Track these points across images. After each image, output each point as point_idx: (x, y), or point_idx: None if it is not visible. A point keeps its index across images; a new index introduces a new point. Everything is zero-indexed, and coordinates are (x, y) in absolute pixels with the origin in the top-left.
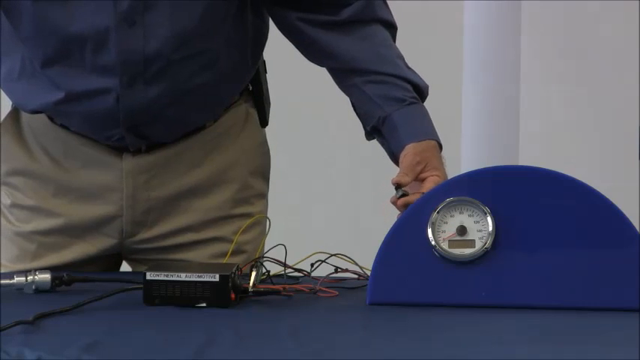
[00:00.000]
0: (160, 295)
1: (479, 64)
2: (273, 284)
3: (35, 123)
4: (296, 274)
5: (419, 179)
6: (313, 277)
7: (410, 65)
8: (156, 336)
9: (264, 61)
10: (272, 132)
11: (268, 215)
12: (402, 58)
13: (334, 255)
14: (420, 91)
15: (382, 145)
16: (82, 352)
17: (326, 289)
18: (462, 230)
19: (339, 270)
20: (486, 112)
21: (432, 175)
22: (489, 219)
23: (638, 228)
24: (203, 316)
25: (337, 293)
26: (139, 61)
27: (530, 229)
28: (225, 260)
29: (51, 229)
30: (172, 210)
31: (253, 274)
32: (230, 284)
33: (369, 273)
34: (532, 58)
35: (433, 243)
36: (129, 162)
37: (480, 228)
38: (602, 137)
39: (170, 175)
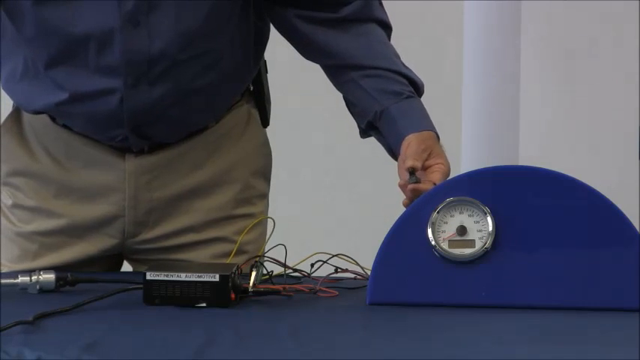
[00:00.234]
0: (160, 295)
1: (479, 64)
2: (273, 284)
3: (37, 123)
4: (296, 274)
5: (424, 167)
6: (313, 278)
7: (409, 65)
8: (156, 336)
9: (265, 61)
10: (272, 132)
11: (269, 215)
12: (398, 56)
13: (335, 255)
14: (417, 88)
15: (379, 140)
16: (82, 352)
17: (326, 289)
18: (462, 230)
19: (339, 270)
20: (486, 112)
21: (437, 164)
22: (489, 219)
23: (638, 228)
24: (203, 316)
25: (337, 293)
26: (143, 62)
27: (530, 229)
28: (228, 261)
29: (52, 230)
30: (174, 210)
31: (253, 274)
32: (230, 284)
33: (369, 273)
34: (532, 58)
35: (433, 243)
36: (131, 162)
37: (480, 228)
38: (602, 137)
39: (172, 176)
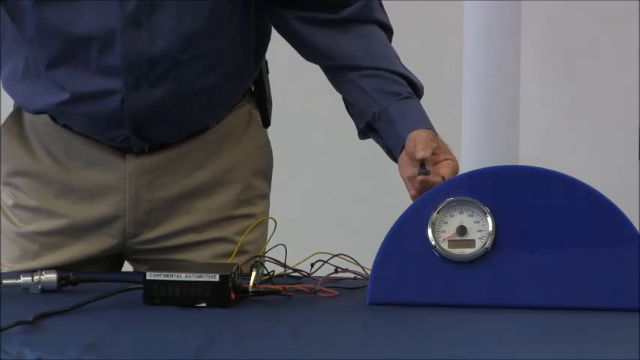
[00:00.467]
0: (160, 295)
1: (479, 64)
2: (273, 284)
3: (38, 123)
4: (296, 274)
5: (433, 162)
6: (313, 278)
7: (409, 65)
8: (156, 336)
9: (267, 62)
10: (273, 132)
11: (270, 215)
12: (398, 58)
13: (336, 255)
14: (416, 89)
15: (377, 142)
16: (82, 352)
17: (326, 289)
18: (462, 230)
19: (339, 270)
20: (486, 112)
21: (447, 159)
22: (489, 219)
23: (638, 228)
24: (203, 316)
25: (337, 293)
26: (144, 63)
27: (530, 229)
28: (229, 261)
29: (53, 230)
30: (175, 211)
31: (253, 274)
32: (230, 284)
33: (369, 273)
34: (532, 58)
35: (433, 243)
36: (132, 163)
37: (480, 228)
38: (602, 137)
39: (173, 176)
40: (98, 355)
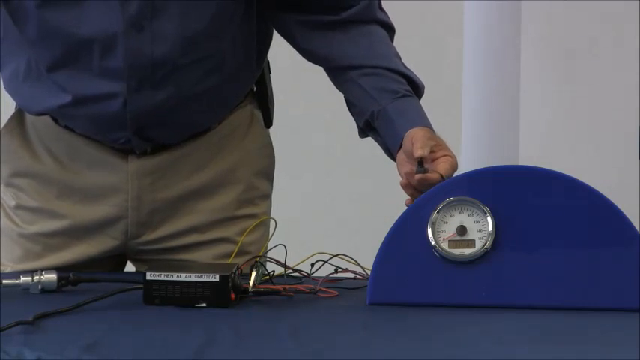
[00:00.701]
0: (160, 295)
1: (479, 64)
2: (274, 284)
3: (40, 124)
4: (296, 274)
5: (431, 159)
6: (313, 278)
7: (410, 65)
8: (156, 336)
9: (268, 62)
10: (273, 132)
11: (270, 215)
12: (399, 56)
13: (336, 255)
14: (416, 87)
15: (376, 141)
16: (82, 352)
17: (326, 289)
18: (462, 230)
19: (339, 270)
20: (486, 112)
21: (445, 156)
22: (489, 219)
23: (638, 228)
24: (203, 316)
25: (337, 293)
26: (146, 66)
27: (530, 229)
28: (229, 261)
29: (55, 231)
30: (177, 211)
31: (253, 274)
32: (230, 284)
33: (369, 273)
34: (532, 58)
35: (433, 243)
36: (134, 164)
37: (480, 228)
38: (602, 137)
39: (175, 177)
40: (98, 355)
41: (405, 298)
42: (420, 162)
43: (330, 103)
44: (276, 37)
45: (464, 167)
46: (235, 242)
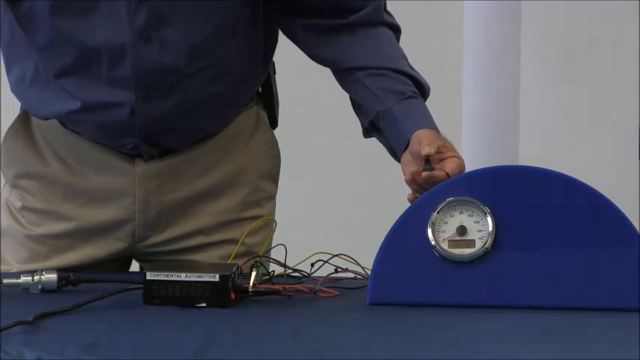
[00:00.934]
0: (160, 295)
1: (479, 64)
2: (274, 284)
3: (46, 127)
4: (296, 274)
5: (438, 159)
6: (313, 278)
7: (410, 65)
8: (156, 336)
9: (274, 62)
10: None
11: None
12: (405, 58)
13: (336, 255)
14: (422, 89)
15: (381, 141)
16: (82, 352)
17: (326, 289)
18: (462, 230)
19: (339, 270)
20: (486, 112)
21: (452, 156)
22: (489, 219)
23: (638, 228)
24: (203, 316)
25: (337, 293)
26: (154, 75)
27: (530, 229)
28: (229, 261)
29: (61, 233)
30: (184, 214)
31: (253, 274)
32: (230, 284)
33: (369, 273)
34: (532, 58)
35: (433, 243)
36: (141, 167)
37: (480, 228)
38: (602, 137)
39: (182, 180)
40: (98, 355)
41: (405, 298)
42: (427, 160)
43: (331, 103)
44: (280, 36)
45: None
46: (243, 244)
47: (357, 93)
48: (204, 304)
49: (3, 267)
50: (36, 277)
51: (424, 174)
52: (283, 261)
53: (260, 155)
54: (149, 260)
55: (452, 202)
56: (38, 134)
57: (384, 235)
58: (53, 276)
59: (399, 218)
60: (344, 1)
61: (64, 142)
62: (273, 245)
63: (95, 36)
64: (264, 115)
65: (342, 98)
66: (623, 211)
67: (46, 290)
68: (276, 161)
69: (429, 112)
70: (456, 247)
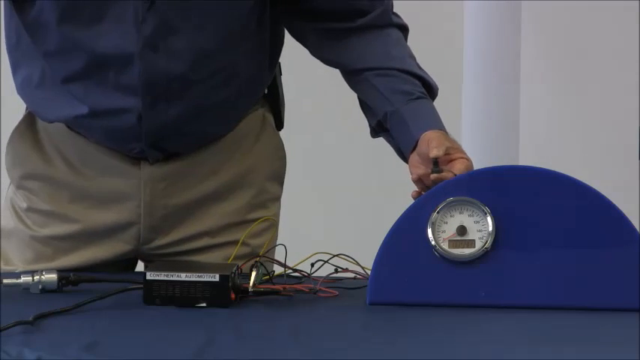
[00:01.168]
0: (160, 295)
1: (479, 64)
2: (274, 284)
3: (52, 128)
4: (296, 274)
5: (446, 160)
6: (313, 278)
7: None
8: (156, 336)
9: (280, 64)
10: None
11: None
12: (413, 58)
13: (336, 255)
14: (430, 89)
15: (389, 142)
16: (82, 352)
17: (326, 289)
18: (462, 230)
19: (339, 270)
20: (486, 112)
21: (461, 158)
22: (489, 219)
23: (638, 228)
24: (203, 316)
25: (337, 293)
26: (161, 83)
27: (530, 229)
28: (229, 261)
29: (67, 235)
30: (190, 216)
31: (253, 274)
32: (230, 284)
33: (369, 273)
34: (532, 58)
35: (433, 243)
36: (147, 170)
37: (480, 228)
38: (602, 137)
39: (188, 183)
40: (98, 355)
41: (405, 298)
42: (436, 162)
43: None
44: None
45: None
46: (247, 245)
47: (365, 93)
48: (204, 304)
49: (8, 267)
50: (36, 277)
51: (433, 176)
52: (283, 261)
53: (266, 157)
54: (155, 262)
55: (452, 202)
56: (44, 136)
57: (384, 235)
58: (53, 276)
59: (399, 218)
60: (353, 4)
61: (69, 144)
62: (273, 245)
63: (103, 43)
64: (270, 117)
65: (341, 98)
66: (623, 211)
67: (46, 290)
68: (281, 163)
69: (437, 112)
70: (456, 247)
